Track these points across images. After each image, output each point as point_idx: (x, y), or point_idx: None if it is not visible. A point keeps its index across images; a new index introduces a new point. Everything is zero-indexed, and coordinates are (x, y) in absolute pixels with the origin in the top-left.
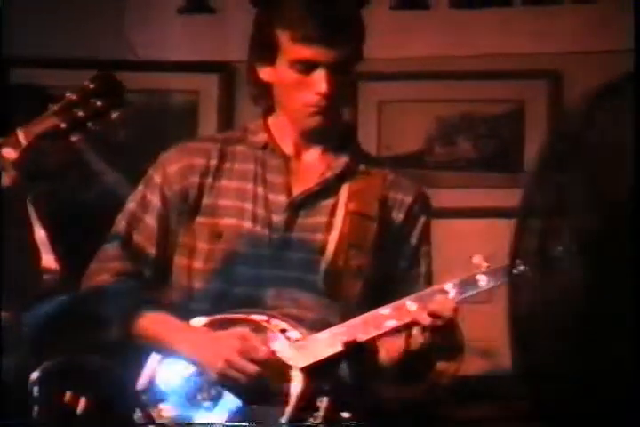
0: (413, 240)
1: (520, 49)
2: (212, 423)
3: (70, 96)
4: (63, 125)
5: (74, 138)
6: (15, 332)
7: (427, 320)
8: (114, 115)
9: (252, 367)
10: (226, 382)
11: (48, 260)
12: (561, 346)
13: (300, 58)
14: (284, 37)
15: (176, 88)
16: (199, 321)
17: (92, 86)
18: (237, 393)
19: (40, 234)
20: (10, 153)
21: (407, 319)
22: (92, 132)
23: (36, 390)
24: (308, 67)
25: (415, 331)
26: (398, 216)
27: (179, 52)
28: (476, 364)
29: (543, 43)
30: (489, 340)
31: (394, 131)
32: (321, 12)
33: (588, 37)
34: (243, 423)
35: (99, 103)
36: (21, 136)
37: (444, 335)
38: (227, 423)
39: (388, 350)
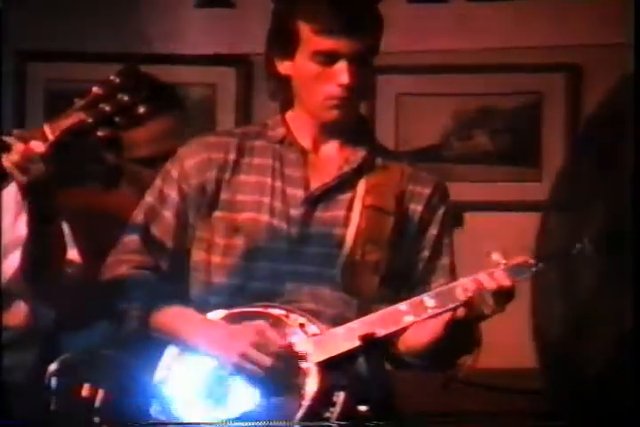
0: (434, 231)
1: (538, 42)
2: (227, 419)
3: (97, 91)
4: (90, 120)
5: (100, 133)
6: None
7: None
8: (141, 109)
9: (267, 360)
10: (241, 375)
11: (71, 253)
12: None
13: (322, 49)
14: (305, 30)
15: (193, 81)
16: (217, 314)
17: (118, 81)
18: (253, 387)
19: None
20: (39, 146)
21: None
22: (119, 127)
23: (54, 381)
24: (329, 59)
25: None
26: (417, 208)
27: (196, 46)
28: (497, 359)
29: (561, 35)
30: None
31: (411, 124)
32: (343, 4)
33: (606, 30)
34: (258, 420)
35: (125, 98)
36: (48, 131)
37: (466, 328)
38: (242, 419)
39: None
